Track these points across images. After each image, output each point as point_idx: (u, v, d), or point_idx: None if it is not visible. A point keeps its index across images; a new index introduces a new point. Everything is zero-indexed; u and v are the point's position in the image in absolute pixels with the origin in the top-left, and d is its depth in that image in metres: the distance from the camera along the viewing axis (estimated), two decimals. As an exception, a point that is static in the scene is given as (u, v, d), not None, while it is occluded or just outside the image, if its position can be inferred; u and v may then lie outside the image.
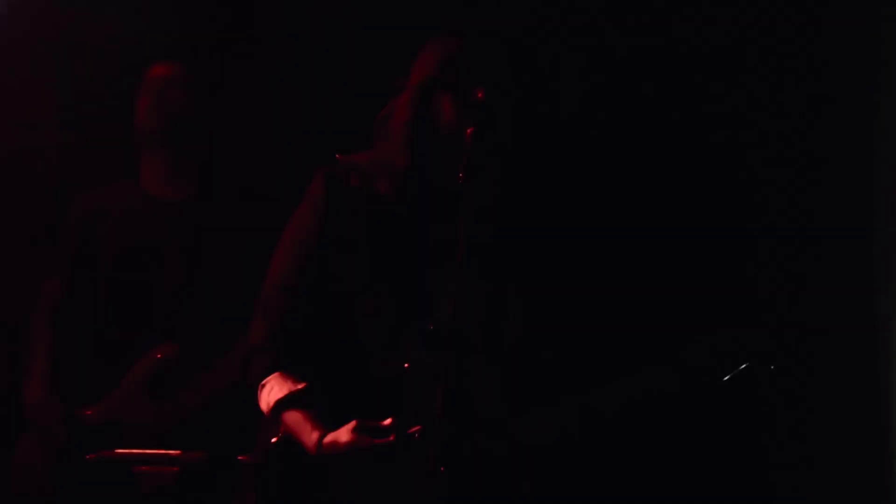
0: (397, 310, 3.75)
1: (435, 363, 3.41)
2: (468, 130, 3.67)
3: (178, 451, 4.59)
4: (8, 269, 5.63)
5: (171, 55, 5.54)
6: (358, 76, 5.40)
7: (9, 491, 5.29)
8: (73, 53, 5.67)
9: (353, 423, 3.73)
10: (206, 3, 5.70)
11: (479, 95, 3.71)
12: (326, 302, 3.82)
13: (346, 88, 5.51)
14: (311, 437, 3.77)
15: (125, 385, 5.31)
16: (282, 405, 3.83)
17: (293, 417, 3.82)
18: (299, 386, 3.84)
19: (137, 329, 5.35)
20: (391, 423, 3.64)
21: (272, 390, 3.84)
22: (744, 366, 3.59)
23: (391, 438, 3.64)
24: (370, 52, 5.44)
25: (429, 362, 3.46)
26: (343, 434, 3.74)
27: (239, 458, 4.37)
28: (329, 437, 3.76)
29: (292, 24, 5.70)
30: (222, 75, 5.60)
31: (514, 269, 3.81)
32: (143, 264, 5.41)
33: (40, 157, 5.70)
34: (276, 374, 3.86)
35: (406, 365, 3.71)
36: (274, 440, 3.82)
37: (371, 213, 3.84)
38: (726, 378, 3.57)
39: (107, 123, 5.60)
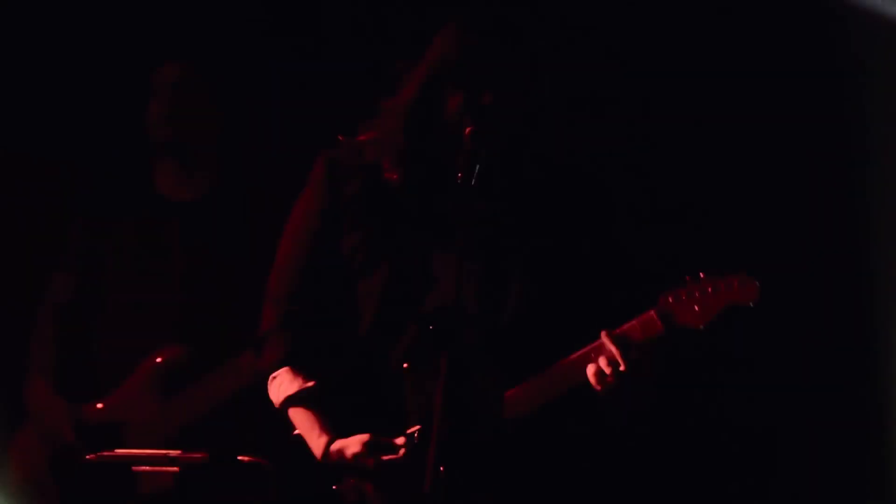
0: (397, 288, 3.77)
1: (433, 363, 3.43)
2: (466, 130, 3.70)
3: (178, 451, 4.59)
4: (14, 265, 5.64)
5: (180, 55, 5.55)
6: (365, 74, 5.42)
7: (9, 473, 5.32)
8: (86, 52, 5.69)
9: (364, 437, 3.77)
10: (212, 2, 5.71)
11: (487, 101, 3.74)
12: (332, 284, 3.86)
13: (354, 86, 5.53)
14: (318, 440, 3.80)
15: (130, 385, 5.33)
16: (290, 402, 3.86)
17: (301, 416, 3.85)
18: (308, 384, 3.86)
19: (146, 329, 5.36)
20: (403, 442, 3.67)
21: (282, 385, 3.87)
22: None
23: (400, 455, 3.68)
24: (376, 50, 5.46)
25: (427, 362, 3.48)
26: (352, 445, 3.77)
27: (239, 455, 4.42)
28: (336, 445, 3.79)
29: (296, 21, 5.71)
30: (231, 74, 5.62)
31: (513, 250, 3.83)
32: (154, 265, 5.42)
33: (51, 155, 5.71)
34: (286, 369, 3.88)
35: (405, 365, 3.73)
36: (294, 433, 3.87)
37: (371, 192, 3.86)
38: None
39: (119, 124, 5.62)
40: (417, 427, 3.64)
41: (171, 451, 4.70)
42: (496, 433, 3.70)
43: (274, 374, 3.88)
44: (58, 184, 5.67)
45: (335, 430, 3.78)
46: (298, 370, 3.85)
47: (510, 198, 3.82)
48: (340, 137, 3.94)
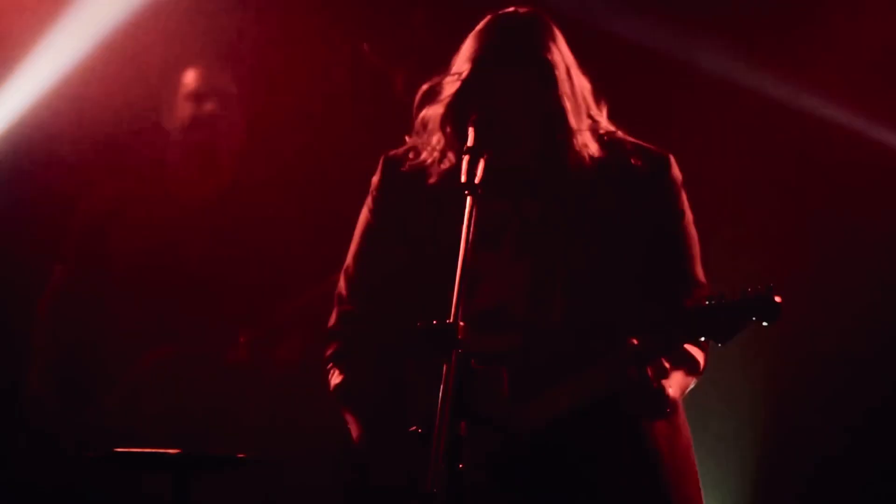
0: (444, 287, 3.77)
1: (440, 361, 3.45)
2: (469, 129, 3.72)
3: (177, 451, 4.61)
4: (17, 259, 5.65)
5: (199, 57, 5.59)
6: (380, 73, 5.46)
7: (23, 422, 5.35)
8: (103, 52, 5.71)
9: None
10: (235, 7, 5.74)
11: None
12: (386, 284, 3.92)
13: (374, 86, 5.57)
14: (355, 431, 3.92)
15: (128, 384, 5.34)
16: (337, 392, 3.95)
17: (345, 407, 3.95)
18: (338, 381, 3.93)
19: (148, 325, 5.39)
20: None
21: (334, 376, 3.97)
22: None
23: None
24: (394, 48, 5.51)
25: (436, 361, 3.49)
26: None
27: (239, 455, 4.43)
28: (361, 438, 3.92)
29: (320, 25, 5.74)
30: (251, 78, 5.66)
31: (559, 248, 3.84)
32: (162, 261, 5.44)
33: (58, 150, 5.73)
34: (340, 360, 3.96)
35: (409, 365, 3.76)
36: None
37: (423, 193, 3.89)
38: None
39: (132, 121, 5.64)
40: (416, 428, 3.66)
41: (170, 451, 4.72)
42: (515, 438, 3.72)
43: (329, 366, 3.99)
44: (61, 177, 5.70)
45: (367, 423, 3.90)
46: (343, 369, 3.95)
47: (555, 196, 3.83)
48: (408, 138, 3.98)
